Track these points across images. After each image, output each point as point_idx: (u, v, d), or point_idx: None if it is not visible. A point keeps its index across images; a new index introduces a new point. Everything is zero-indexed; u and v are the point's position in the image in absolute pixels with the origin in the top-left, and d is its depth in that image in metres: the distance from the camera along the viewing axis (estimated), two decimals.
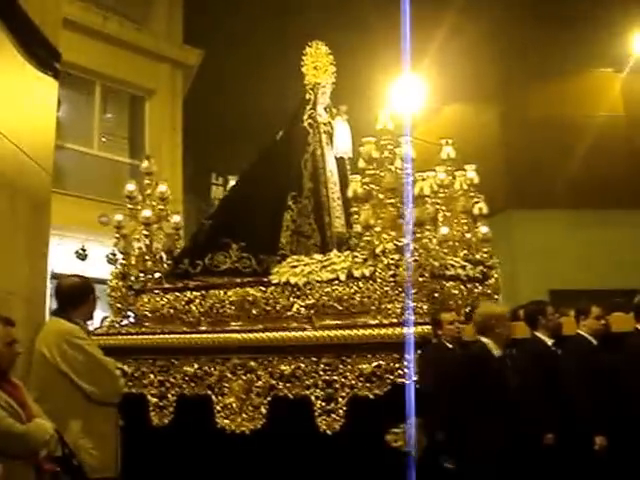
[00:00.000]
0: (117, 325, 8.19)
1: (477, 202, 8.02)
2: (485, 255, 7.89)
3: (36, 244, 7.13)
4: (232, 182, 9.22)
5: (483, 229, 7.94)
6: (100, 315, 11.26)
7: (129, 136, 17.05)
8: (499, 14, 14.50)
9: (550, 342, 6.34)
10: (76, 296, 6.31)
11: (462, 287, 7.37)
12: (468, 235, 7.99)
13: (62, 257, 13.34)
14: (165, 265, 8.33)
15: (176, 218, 8.60)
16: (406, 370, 6.32)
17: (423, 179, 6.97)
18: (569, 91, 16.65)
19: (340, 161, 8.39)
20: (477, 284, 7.60)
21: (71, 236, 14.17)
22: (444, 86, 14.23)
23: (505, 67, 15.32)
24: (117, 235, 8.36)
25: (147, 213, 8.34)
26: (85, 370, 5.99)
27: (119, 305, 8.24)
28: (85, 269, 13.63)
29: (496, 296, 7.81)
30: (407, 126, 6.78)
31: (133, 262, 8.33)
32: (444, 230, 7.85)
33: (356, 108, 8.50)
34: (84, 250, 14.51)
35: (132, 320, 8.16)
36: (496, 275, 7.84)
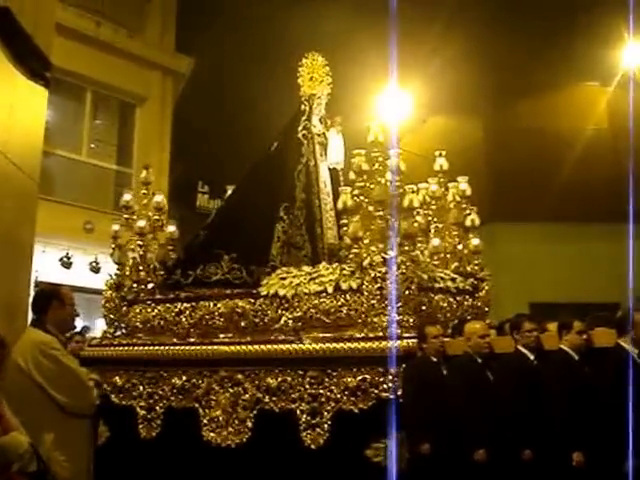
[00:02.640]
0: (110, 336, 8.11)
1: (469, 214, 7.96)
2: (476, 267, 7.83)
3: (20, 253, 7.06)
4: (230, 191, 9.15)
5: (474, 241, 7.87)
6: (81, 323, 11.16)
7: (118, 143, 16.97)
8: (486, 29, 14.54)
9: (532, 356, 6.27)
10: (39, 303, 6.19)
11: (451, 300, 7.31)
12: (460, 247, 7.92)
13: (47, 265, 13.22)
14: (158, 275, 8.23)
15: (171, 228, 8.49)
16: (390, 384, 6.30)
17: (413, 191, 6.91)
18: (555, 104, 16.68)
19: (333, 172, 8.34)
20: (467, 297, 7.55)
21: (56, 243, 14.06)
22: (430, 98, 14.20)
23: (490, 80, 15.28)
24: (112, 245, 8.26)
25: (142, 223, 8.24)
26: (59, 381, 5.87)
27: (112, 316, 8.14)
28: (69, 277, 13.55)
29: (486, 309, 7.77)
30: (394, 138, 6.74)
31: (127, 272, 8.23)
32: (435, 242, 7.78)
33: (351, 120, 8.46)
34: (69, 258, 14.39)
35: (124, 331, 8.07)
36: (487, 287, 7.79)
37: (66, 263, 14.36)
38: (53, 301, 6.09)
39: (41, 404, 5.80)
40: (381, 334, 6.44)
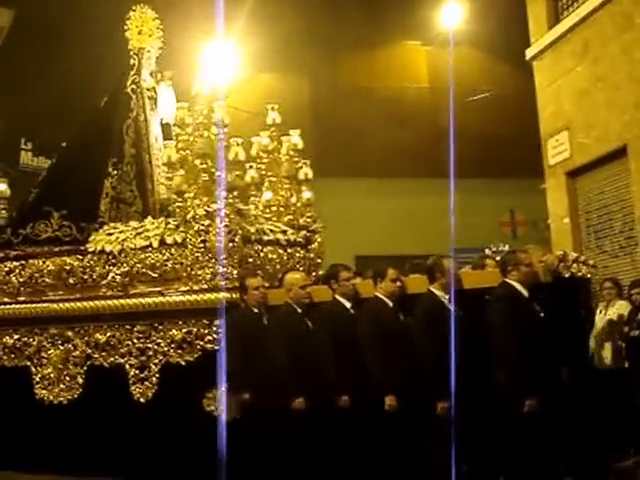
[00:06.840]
0: None
1: (301, 167, 8.01)
2: (309, 220, 7.91)
3: None
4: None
5: (306, 194, 7.94)
6: None
7: None
8: None
9: (349, 305, 6.38)
10: None
11: (282, 252, 7.40)
12: (293, 200, 7.98)
13: None
14: None
15: (1, 187, 8.37)
16: (215, 336, 6.40)
17: (238, 144, 6.96)
18: (378, 63, 17.03)
19: (166, 127, 8.26)
20: (299, 249, 7.64)
21: None
22: (256, 54, 14.12)
23: (314, 36, 15.37)
24: None
25: None
26: None
27: None
28: None
29: (319, 260, 7.88)
30: (220, 92, 6.74)
31: None
32: (267, 195, 7.83)
33: (183, 73, 8.36)
34: None
35: None
36: (319, 239, 7.90)
37: None
38: None
39: None
40: (205, 286, 6.53)
